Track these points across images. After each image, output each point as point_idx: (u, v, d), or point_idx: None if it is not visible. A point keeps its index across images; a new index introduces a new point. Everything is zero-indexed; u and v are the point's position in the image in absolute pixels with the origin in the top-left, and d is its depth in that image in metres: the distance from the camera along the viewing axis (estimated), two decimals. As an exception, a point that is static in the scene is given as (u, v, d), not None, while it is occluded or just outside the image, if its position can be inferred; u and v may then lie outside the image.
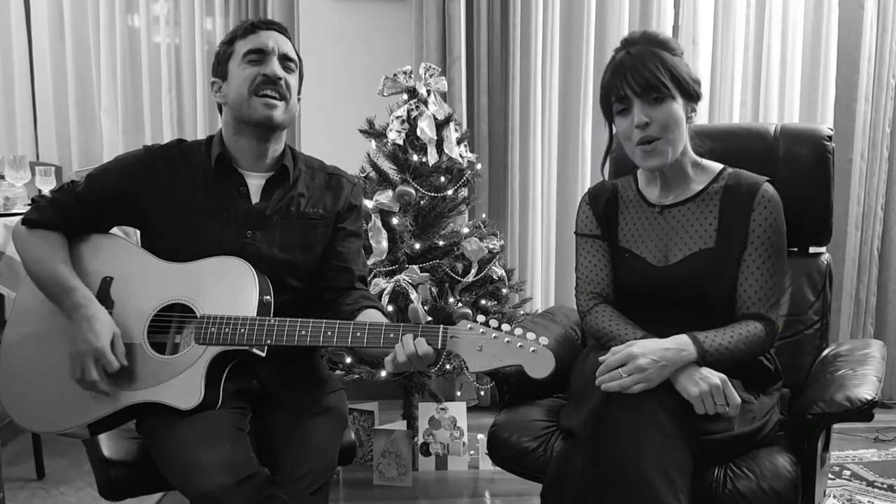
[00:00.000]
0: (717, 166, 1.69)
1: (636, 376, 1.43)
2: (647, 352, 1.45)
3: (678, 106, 1.57)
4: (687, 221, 1.65)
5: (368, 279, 1.95)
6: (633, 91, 1.55)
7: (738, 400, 1.46)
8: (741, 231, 1.60)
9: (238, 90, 1.59)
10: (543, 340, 1.37)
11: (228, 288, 1.52)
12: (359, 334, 1.44)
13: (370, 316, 1.58)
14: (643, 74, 1.54)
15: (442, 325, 1.41)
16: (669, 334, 1.51)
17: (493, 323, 1.39)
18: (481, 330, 1.39)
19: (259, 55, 1.60)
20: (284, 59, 1.62)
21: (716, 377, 1.44)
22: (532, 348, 1.37)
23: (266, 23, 1.64)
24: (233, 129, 1.64)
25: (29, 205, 1.65)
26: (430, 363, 1.43)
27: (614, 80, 1.59)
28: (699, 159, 1.70)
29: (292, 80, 1.64)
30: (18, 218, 1.64)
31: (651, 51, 1.57)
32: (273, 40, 1.61)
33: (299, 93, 1.71)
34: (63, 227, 1.61)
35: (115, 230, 1.69)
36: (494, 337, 1.38)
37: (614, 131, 1.68)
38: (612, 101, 1.61)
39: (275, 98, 1.59)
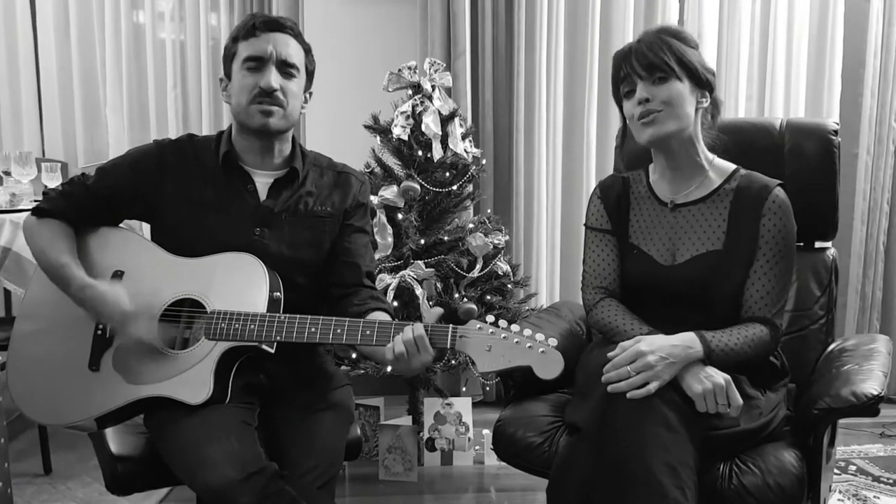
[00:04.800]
0: (731, 166, 1.69)
1: (645, 374, 1.42)
2: (656, 348, 1.45)
3: (683, 87, 1.58)
4: (696, 222, 1.65)
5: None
6: (635, 72, 1.58)
7: (740, 401, 1.46)
8: (750, 235, 1.60)
9: (237, 98, 1.60)
10: (552, 342, 1.37)
11: (239, 284, 1.52)
12: (368, 332, 1.44)
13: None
14: (647, 57, 1.57)
15: (451, 325, 1.40)
16: (672, 333, 1.51)
17: (503, 323, 1.39)
18: (490, 330, 1.38)
19: (257, 62, 1.57)
20: (283, 66, 1.59)
21: (720, 377, 1.45)
22: (541, 349, 1.36)
23: (267, 23, 1.59)
24: (238, 129, 1.65)
25: (37, 201, 1.66)
26: (427, 362, 1.41)
27: (620, 64, 1.62)
28: (712, 156, 1.70)
29: (293, 85, 1.61)
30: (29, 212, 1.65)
31: (660, 37, 1.60)
32: (272, 44, 1.57)
33: (311, 86, 1.69)
34: (72, 217, 1.61)
35: (123, 224, 1.70)
36: (504, 337, 1.38)
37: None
38: (620, 84, 1.63)
39: (272, 106, 1.57)
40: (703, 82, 1.62)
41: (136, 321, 1.50)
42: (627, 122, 1.66)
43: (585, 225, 1.81)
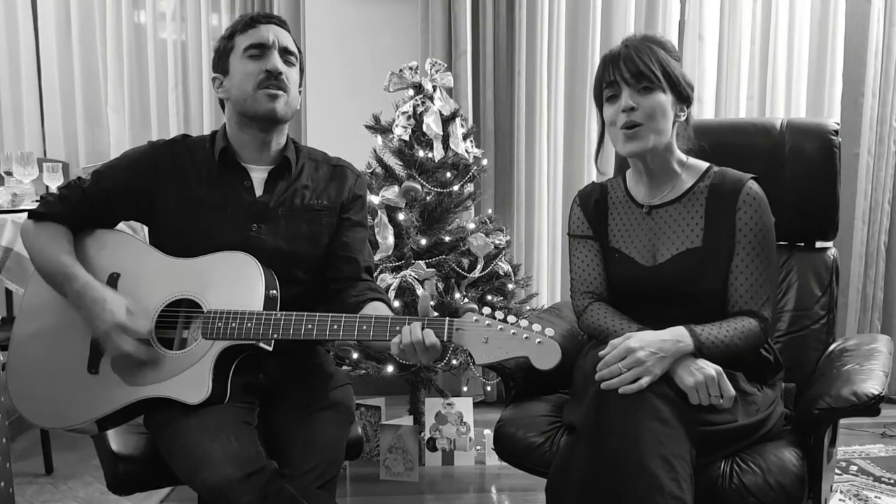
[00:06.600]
0: (703, 165, 1.70)
1: (636, 370, 1.44)
2: (645, 344, 1.46)
3: (666, 99, 1.60)
4: (674, 221, 1.66)
5: (375, 274, 1.95)
6: (622, 78, 1.59)
7: (733, 392, 1.47)
8: (727, 230, 1.61)
9: (241, 86, 1.60)
10: (549, 332, 1.37)
11: (235, 283, 1.52)
12: (364, 327, 1.44)
13: (376, 309, 1.58)
14: (635, 63, 1.58)
15: (448, 318, 1.41)
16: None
17: (499, 315, 1.39)
18: (487, 322, 1.39)
19: (260, 49, 1.60)
20: (285, 53, 1.63)
21: (711, 368, 1.46)
22: (538, 339, 1.37)
23: (265, 16, 1.64)
24: (236, 124, 1.65)
25: (37, 201, 1.66)
26: (436, 357, 1.42)
27: (607, 68, 1.62)
28: (686, 158, 1.71)
29: (293, 73, 1.64)
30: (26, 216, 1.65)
31: (648, 45, 1.61)
32: (273, 34, 1.61)
33: (301, 85, 1.71)
34: (70, 220, 1.62)
35: (121, 226, 1.70)
36: (500, 329, 1.38)
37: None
38: (604, 87, 1.64)
39: (277, 90, 1.59)
40: (683, 97, 1.64)
41: (123, 335, 1.48)
42: (607, 126, 1.67)
43: (568, 234, 1.84)
